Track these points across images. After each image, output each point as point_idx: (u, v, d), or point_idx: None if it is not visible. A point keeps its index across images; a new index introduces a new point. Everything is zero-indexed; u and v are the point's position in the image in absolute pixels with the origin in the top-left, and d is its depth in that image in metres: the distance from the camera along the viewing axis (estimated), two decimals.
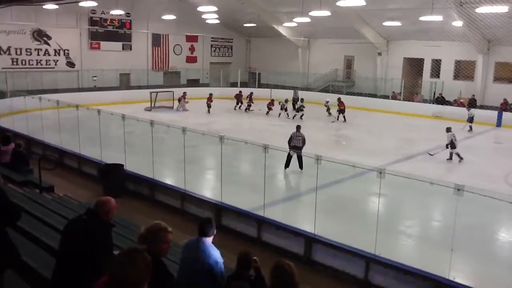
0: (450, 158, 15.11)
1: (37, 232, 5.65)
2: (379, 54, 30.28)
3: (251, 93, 27.57)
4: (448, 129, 15.22)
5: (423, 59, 28.82)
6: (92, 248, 3.61)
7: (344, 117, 23.28)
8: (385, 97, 29.22)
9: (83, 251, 3.60)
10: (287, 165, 13.00)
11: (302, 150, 12.71)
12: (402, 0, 23.25)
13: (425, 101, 27.85)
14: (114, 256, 3.33)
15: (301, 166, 12.85)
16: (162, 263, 3.60)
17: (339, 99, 23.76)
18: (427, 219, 10.47)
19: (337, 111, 23.37)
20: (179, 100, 26.54)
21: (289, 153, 12.57)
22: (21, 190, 8.74)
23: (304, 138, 13.37)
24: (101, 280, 2.75)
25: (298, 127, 13.72)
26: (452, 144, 14.90)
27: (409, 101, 28.17)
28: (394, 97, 28.70)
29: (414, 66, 29.46)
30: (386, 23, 25.79)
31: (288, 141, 13.32)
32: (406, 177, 7.91)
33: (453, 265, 6.49)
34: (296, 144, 13.12)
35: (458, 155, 14.98)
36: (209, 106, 25.29)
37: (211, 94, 25.96)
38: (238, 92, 27.73)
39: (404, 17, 24.54)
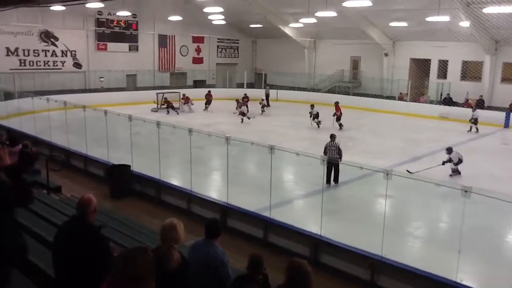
0: (454, 173, 13.47)
1: (44, 232, 5.67)
2: (386, 54, 30.21)
3: (209, 90, 28.28)
4: (450, 150, 13.30)
5: (429, 60, 28.71)
6: (88, 256, 3.60)
7: (340, 124, 21.18)
8: (392, 98, 29.14)
9: (79, 259, 3.60)
10: (327, 179, 11.65)
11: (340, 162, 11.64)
12: (408, 0, 23.19)
13: (431, 102, 27.74)
14: (116, 255, 3.35)
15: (336, 179, 12.01)
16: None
17: (336, 103, 21.73)
18: (434, 220, 10.42)
19: (333, 115, 21.51)
20: (184, 103, 26.82)
21: (327, 165, 11.24)
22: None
23: (339, 148, 12.23)
24: (107, 281, 2.77)
25: (333, 136, 12.52)
26: (460, 161, 13.35)
27: (415, 102, 28.09)
28: (401, 98, 28.62)
29: (420, 66, 29.36)
30: (392, 24, 25.75)
31: (324, 153, 12.13)
32: (413, 178, 7.90)
33: (460, 267, 6.45)
34: (331, 155, 11.94)
35: (458, 172, 13.52)
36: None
37: (245, 94, 27.14)
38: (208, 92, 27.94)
39: (410, 17, 24.48)
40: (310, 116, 21.90)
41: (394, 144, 18.22)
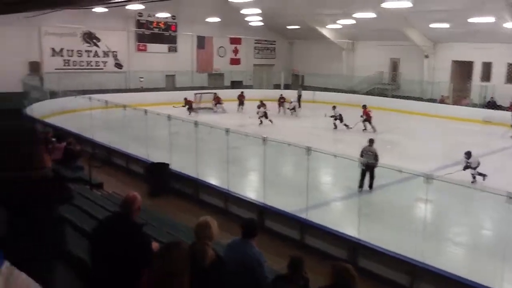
0: (475, 179, 12.80)
1: (87, 226, 5.84)
2: (426, 56, 29.52)
3: (242, 91, 28.10)
4: (469, 155, 12.79)
5: (472, 62, 27.85)
6: (130, 252, 3.68)
7: (372, 126, 20.71)
8: (432, 100, 28.46)
9: (122, 255, 3.67)
10: (361, 183, 11.32)
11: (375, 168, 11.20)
12: (450, 1, 22.57)
13: (474, 105, 26.89)
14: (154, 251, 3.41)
15: (370, 185, 11.48)
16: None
17: (364, 107, 21.29)
18: (477, 227, 10.11)
19: (361, 116, 21.05)
20: (215, 103, 26.74)
21: (362, 169, 11.05)
22: (72, 186, 9.07)
23: (376, 153, 11.62)
24: (146, 276, 2.83)
25: (371, 141, 12.08)
26: (478, 165, 12.69)
27: (457, 105, 27.28)
28: (442, 101, 27.90)
29: (463, 69, 28.53)
30: (433, 25, 25.11)
31: (360, 156, 11.53)
32: (454, 183, 7.69)
33: (506, 276, 6.23)
34: (367, 160, 11.27)
35: (479, 174, 12.82)
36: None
37: (281, 95, 27.01)
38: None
39: (452, 18, 23.78)
40: (331, 116, 21.53)
41: (435, 148, 17.76)
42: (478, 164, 12.68)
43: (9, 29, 23.28)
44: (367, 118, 20.95)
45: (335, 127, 21.47)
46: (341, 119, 21.31)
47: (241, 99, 27.39)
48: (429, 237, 7.39)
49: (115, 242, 3.76)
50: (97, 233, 4.10)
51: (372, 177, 11.45)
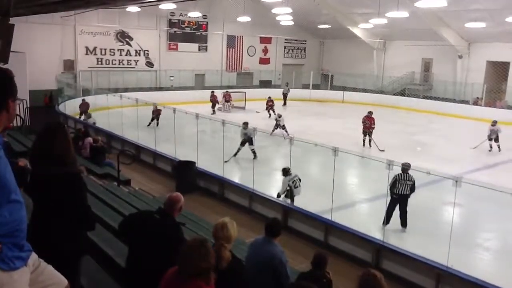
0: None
1: (113, 222, 5.95)
2: (460, 57, 28.82)
3: (212, 91, 25.98)
4: (287, 172, 9.88)
5: (508, 63, 27.04)
6: (167, 250, 3.73)
7: (364, 140, 17.37)
8: (465, 102, 27.76)
9: (158, 251, 3.73)
10: (387, 219, 9.21)
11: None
12: (487, 0, 21.97)
13: (509, 107, 26.08)
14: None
15: (404, 222, 9.27)
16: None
17: (369, 113, 17.54)
18: (508, 232, 9.81)
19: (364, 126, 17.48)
20: (226, 100, 25.46)
21: (393, 199, 9.21)
22: (101, 182, 9.28)
23: (414, 183, 9.14)
24: (171, 270, 2.88)
25: (406, 169, 9.10)
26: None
27: (490, 107, 26.48)
28: (475, 103, 27.17)
29: (498, 70, 27.73)
30: (469, 25, 24.47)
31: (391, 187, 9.14)
32: (484, 187, 7.50)
33: None
34: (402, 191, 9.11)
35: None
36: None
37: (270, 97, 24.49)
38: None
39: (489, 18, 23.16)
40: (276, 126, 18.10)
41: (468, 151, 17.32)
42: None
43: (46, 28, 24.02)
44: (365, 128, 17.39)
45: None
46: (283, 127, 18.07)
47: (213, 100, 24.83)
48: (457, 241, 7.22)
49: (154, 237, 3.84)
50: (136, 225, 4.15)
51: (404, 211, 9.30)
